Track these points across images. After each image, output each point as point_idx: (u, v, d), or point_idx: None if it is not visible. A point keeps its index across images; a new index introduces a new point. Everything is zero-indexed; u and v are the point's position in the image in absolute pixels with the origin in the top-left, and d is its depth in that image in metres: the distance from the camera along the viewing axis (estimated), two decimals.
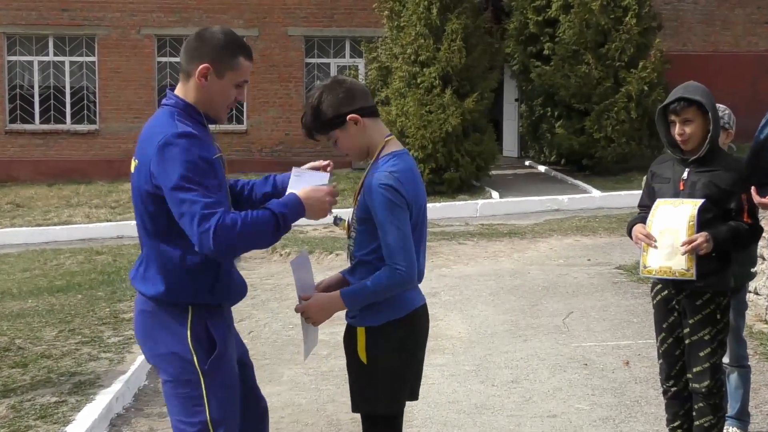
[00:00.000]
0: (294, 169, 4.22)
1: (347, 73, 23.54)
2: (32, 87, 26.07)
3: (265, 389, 7.50)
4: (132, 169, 4.02)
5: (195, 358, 3.98)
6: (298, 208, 4.00)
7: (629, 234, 5.45)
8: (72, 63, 25.95)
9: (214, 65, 3.98)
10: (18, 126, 25.90)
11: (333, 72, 26.42)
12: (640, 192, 5.70)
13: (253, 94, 25.95)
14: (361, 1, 25.28)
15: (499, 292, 10.79)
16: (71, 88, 26.00)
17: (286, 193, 4.09)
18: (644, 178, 5.70)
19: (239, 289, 4.21)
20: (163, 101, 4.09)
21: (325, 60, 26.41)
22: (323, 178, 4.21)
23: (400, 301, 4.21)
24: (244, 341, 8.73)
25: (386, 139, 4.25)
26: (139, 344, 4.21)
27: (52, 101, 25.93)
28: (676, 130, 5.19)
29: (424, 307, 4.37)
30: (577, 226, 15.70)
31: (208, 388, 4.01)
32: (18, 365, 8.03)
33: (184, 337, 3.98)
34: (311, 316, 4.27)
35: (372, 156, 4.26)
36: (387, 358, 4.19)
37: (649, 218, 5.24)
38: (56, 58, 26.06)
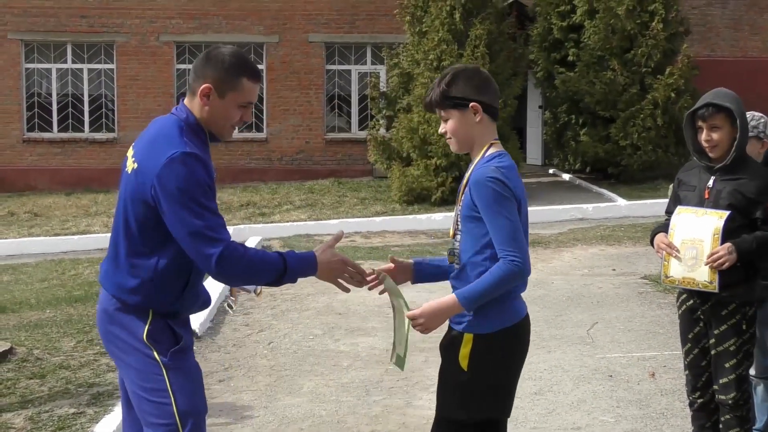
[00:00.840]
0: None
1: (369, 81, 23.46)
2: (50, 95, 26.15)
3: (285, 400, 7.44)
4: (129, 168, 4.06)
5: (155, 353, 4.04)
6: (310, 266, 4.05)
7: (652, 242, 5.36)
8: (90, 70, 25.99)
9: (215, 85, 4.02)
10: (36, 134, 25.96)
11: (354, 79, 26.36)
12: (667, 200, 5.60)
13: (273, 101, 25.94)
14: (382, 6, 25.21)
15: None
16: (90, 95, 26.04)
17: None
18: (671, 185, 5.60)
19: (200, 303, 4.29)
20: (174, 110, 4.14)
21: (346, 66, 26.36)
22: None
23: (510, 308, 4.20)
24: (264, 351, 8.71)
25: (493, 141, 4.29)
26: (103, 343, 4.28)
27: (70, 109, 25.97)
28: (703, 136, 5.11)
29: (528, 317, 4.33)
30: (602, 236, 15.54)
31: (172, 381, 4.05)
32: (36, 376, 7.99)
33: (140, 335, 4.05)
34: (424, 322, 4.26)
35: (475, 153, 4.28)
36: (494, 367, 4.18)
37: (670, 227, 5.16)
38: (75, 66, 26.11)
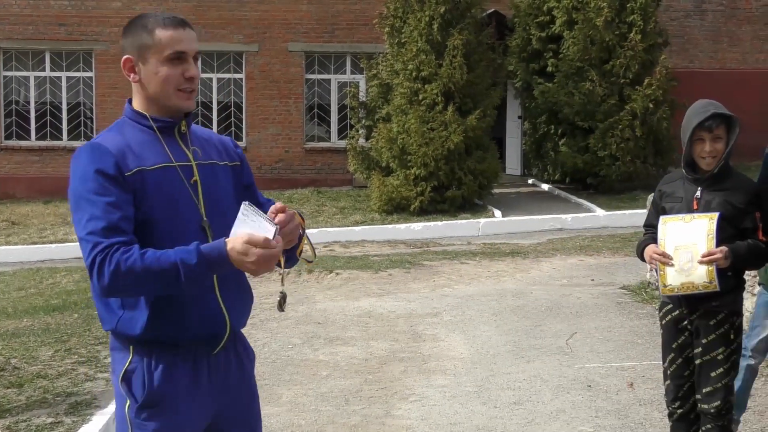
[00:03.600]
0: (244, 205, 3.33)
1: (348, 90, 23.46)
2: (28, 103, 26.03)
3: (264, 410, 7.39)
4: None
5: (127, 402, 3.42)
6: (217, 261, 3.21)
7: (640, 256, 5.35)
8: (69, 78, 25.89)
9: (133, 53, 3.45)
10: (14, 142, 25.84)
11: (333, 89, 26.36)
12: (645, 211, 5.61)
13: (253, 110, 25.93)
14: (361, 16, 25.24)
15: (502, 312, 10.66)
16: (68, 103, 25.94)
17: (232, 233, 3.28)
18: (650, 197, 5.60)
19: (199, 325, 3.41)
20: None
21: (325, 76, 26.35)
22: (269, 231, 3.28)
23: None
24: None
25: None
26: None
27: (48, 117, 25.87)
28: (707, 147, 5.07)
29: None
30: (581, 246, 15.58)
31: None
32: (13, 385, 7.94)
33: (118, 374, 3.43)
34: None
35: None
36: None
37: (659, 237, 5.15)
38: (53, 74, 26.00)
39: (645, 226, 5.52)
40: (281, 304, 3.60)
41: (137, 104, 3.51)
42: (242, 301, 3.58)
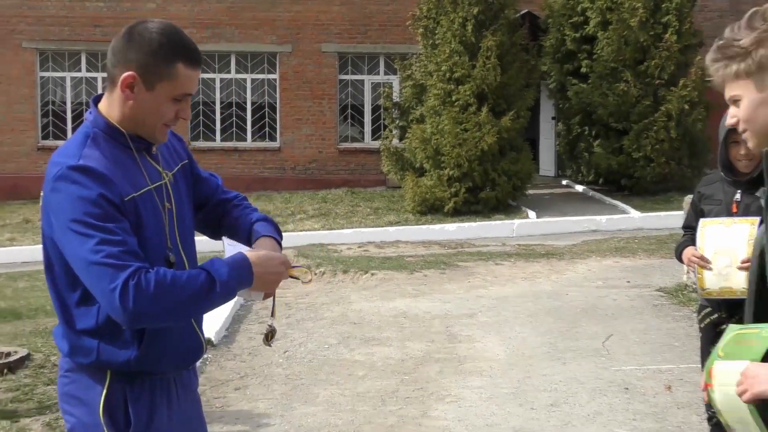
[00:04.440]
0: (226, 240, 3.37)
1: (382, 91, 23.48)
2: (64, 103, 26.25)
3: (301, 409, 7.45)
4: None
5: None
6: (245, 273, 3.10)
7: (678, 258, 5.32)
8: (104, 79, 25.96)
9: (141, 73, 3.06)
10: (50, 142, 26.03)
11: (367, 89, 26.40)
12: (680, 213, 5.58)
13: (286, 111, 26.01)
14: (394, 17, 25.25)
15: (537, 313, 10.64)
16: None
17: (231, 248, 3.24)
18: (687, 198, 5.57)
19: (182, 355, 3.31)
20: (85, 114, 3.24)
21: (359, 77, 26.40)
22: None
23: None
24: (279, 360, 8.72)
25: None
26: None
27: (83, 117, 26.02)
28: (741, 150, 5.03)
29: None
30: (616, 247, 15.51)
31: None
32: (53, 382, 7.99)
33: (95, 407, 3.15)
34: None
35: None
36: None
37: (698, 240, 5.11)
38: (89, 74, 26.21)
39: (684, 227, 5.49)
40: (268, 338, 3.52)
41: (113, 116, 3.16)
42: (202, 321, 3.45)
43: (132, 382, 3.18)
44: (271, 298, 3.45)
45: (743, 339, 3.14)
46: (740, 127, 3.01)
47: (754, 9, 2.99)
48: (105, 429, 3.14)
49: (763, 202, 3.10)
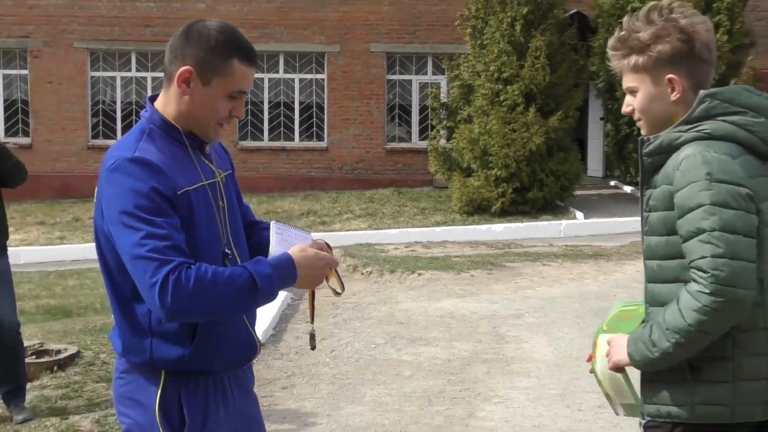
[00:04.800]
0: (275, 225, 3.32)
1: (430, 91, 23.47)
2: (114, 102, 26.47)
3: (348, 409, 7.46)
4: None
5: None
6: (289, 274, 3.12)
7: None
8: (154, 78, 26.25)
9: (198, 68, 3.12)
10: (100, 142, 26.26)
11: (414, 89, 26.41)
12: None
13: (334, 110, 26.07)
14: (443, 17, 25.22)
15: (585, 314, 10.59)
16: None
17: (273, 252, 3.20)
18: None
19: (235, 354, 3.33)
20: (142, 112, 3.31)
21: (406, 77, 26.40)
22: (307, 238, 3.34)
23: None
24: (326, 360, 8.74)
25: None
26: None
27: (133, 117, 26.23)
28: None
29: None
30: None
31: None
32: (102, 380, 8.07)
33: (151, 408, 3.19)
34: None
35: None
36: None
37: None
38: (138, 74, 26.42)
39: None
40: (312, 341, 3.61)
41: (169, 113, 3.21)
42: (255, 320, 3.48)
43: (186, 383, 3.21)
44: (310, 305, 3.58)
45: (625, 315, 3.45)
46: (635, 116, 3.30)
47: (654, 3, 3.21)
48: (161, 429, 3.17)
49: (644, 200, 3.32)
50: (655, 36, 3.18)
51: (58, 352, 8.63)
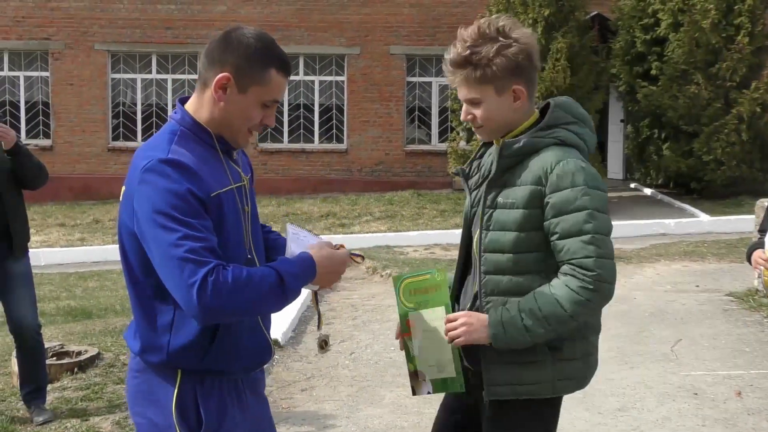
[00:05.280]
0: (291, 227, 3.44)
1: (449, 93, 23.46)
2: (135, 104, 26.56)
3: (367, 411, 7.46)
4: (120, 196, 3.26)
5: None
6: (310, 273, 3.21)
7: (748, 259, 5.25)
8: (174, 81, 26.34)
9: (236, 75, 3.16)
10: (121, 143, 26.38)
11: (434, 91, 26.40)
12: (751, 216, 5.51)
13: (354, 112, 26.08)
14: (463, 19, 25.00)
15: (605, 317, 10.39)
16: (173, 105, 26.33)
17: (291, 252, 3.31)
18: (759, 202, 5.49)
19: (251, 356, 3.37)
20: (171, 114, 3.35)
21: (426, 79, 26.40)
22: (318, 239, 3.48)
23: None
24: (345, 362, 8.73)
25: None
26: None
27: (154, 119, 26.35)
28: None
29: None
30: (685, 251, 15.32)
31: None
32: (122, 381, 8.07)
33: (168, 407, 3.21)
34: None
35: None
36: None
37: (767, 243, 5.04)
38: (159, 76, 26.51)
39: (759, 230, 5.42)
40: (323, 347, 3.67)
41: (201, 117, 3.25)
42: (270, 324, 3.54)
43: (202, 382, 3.24)
44: (315, 307, 3.70)
45: (418, 287, 3.64)
46: (477, 124, 3.56)
47: (485, 19, 3.57)
48: (177, 428, 3.20)
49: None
50: (497, 50, 3.45)
51: (79, 353, 8.66)
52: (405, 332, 3.65)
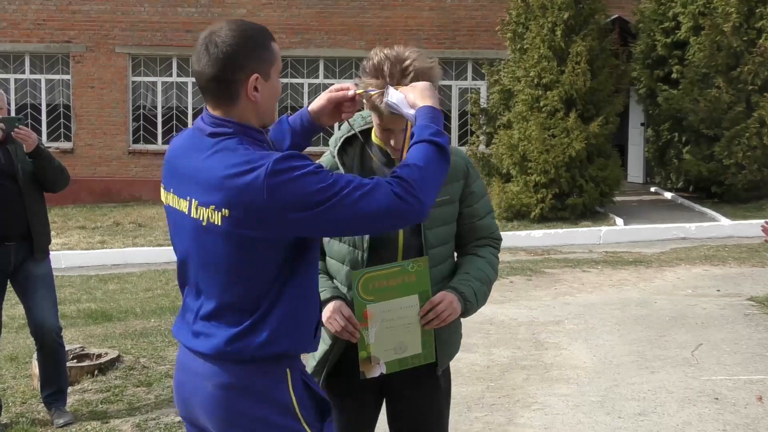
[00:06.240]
0: (389, 89, 3.63)
1: (469, 97, 23.43)
2: (155, 107, 26.65)
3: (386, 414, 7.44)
4: (185, 209, 3.19)
5: (306, 427, 3.20)
6: (439, 117, 3.33)
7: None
8: (194, 84, 26.34)
9: (260, 70, 3.17)
10: (141, 146, 26.46)
11: (454, 95, 26.39)
12: None
13: None
14: (483, 23, 25.20)
15: (625, 321, 10.52)
16: (194, 108, 26.49)
17: (408, 111, 3.44)
18: None
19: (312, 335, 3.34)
20: (214, 129, 3.18)
21: (446, 82, 26.38)
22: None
23: None
24: None
25: None
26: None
27: (174, 122, 26.43)
28: None
29: None
30: (706, 255, 15.28)
31: None
32: (142, 384, 8.12)
33: (289, 403, 3.18)
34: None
35: None
36: None
37: None
38: (179, 79, 26.59)
39: None
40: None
41: (251, 121, 3.22)
42: None
43: (299, 367, 3.27)
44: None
45: (380, 280, 3.71)
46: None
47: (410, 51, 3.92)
48: (303, 422, 3.18)
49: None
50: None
51: (99, 356, 8.68)
52: (362, 323, 3.74)
